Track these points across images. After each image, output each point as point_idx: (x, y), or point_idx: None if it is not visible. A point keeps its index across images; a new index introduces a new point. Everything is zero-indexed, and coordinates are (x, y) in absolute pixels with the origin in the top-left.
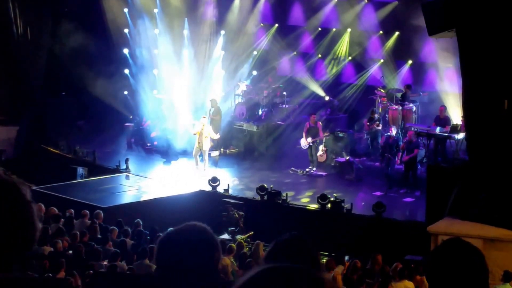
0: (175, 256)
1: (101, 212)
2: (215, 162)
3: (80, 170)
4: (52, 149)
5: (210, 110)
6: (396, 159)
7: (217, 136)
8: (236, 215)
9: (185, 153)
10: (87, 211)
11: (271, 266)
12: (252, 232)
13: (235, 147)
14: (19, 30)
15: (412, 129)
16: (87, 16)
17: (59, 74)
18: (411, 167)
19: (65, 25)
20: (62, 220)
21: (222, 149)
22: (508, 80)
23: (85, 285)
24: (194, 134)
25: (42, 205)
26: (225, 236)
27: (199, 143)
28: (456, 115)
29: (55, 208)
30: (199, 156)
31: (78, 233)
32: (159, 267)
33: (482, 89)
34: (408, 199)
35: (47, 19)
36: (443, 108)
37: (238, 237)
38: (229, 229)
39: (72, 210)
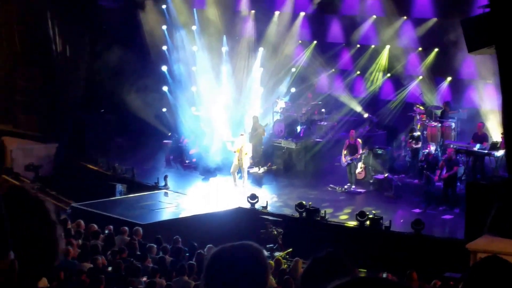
0: (226, 274)
1: (140, 228)
2: (257, 179)
3: (119, 187)
4: (91, 166)
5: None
6: (435, 176)
7: (250, 154)
8: (275, 232)
9: (223, 170)
10: (126, 228)
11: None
12: (290, 249)
13: (274, 164)
14: (58, 48)
15: (451, 146)
16: (125, 33)
17: (98, 91)
18: (450, 184)
19: (103, 42)
20: (102, 236)
21: (261, 166)
22: None
23: None
24: (234, 152)
25: (82, 222)
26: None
27: (238, 160)
28: (495, 132)
29: (95, 225)
30: (238, 173)
31: (118, 249)
32: (207, 284)
33: None
34: (447, 216)
35: (85, 36)
36: (481, 124)
37: (277, 254)
38: (268, 246)
39: (112, 227)
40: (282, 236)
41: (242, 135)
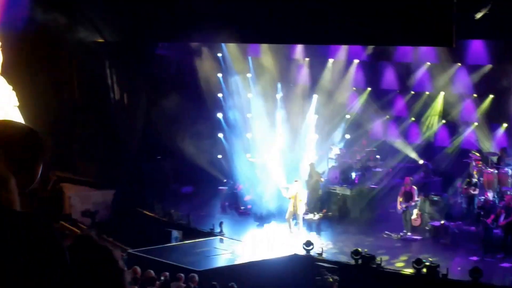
0: None
1: (196, 275)
2: (312, 226)
3: (175, 233)
4: (147, 212)
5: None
6: (492, 223)
7: (305, 201)
8: (330, 279)
9: (278, 216)
10: (182, 275)
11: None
12: None
13: (329, 210)
14: (116, 96)
15: (508, 193)
16: (181, 81)
17: (154, 138)
18: (509, 231)
19: (160, 90)
20: (158, 283)
21: (316, 213)
22: None
23: None
24: (289, 198)
25: (138, 268)
26: None
27: (293, 206)
28: None
29: (151, 271)
30: (293, 219)
31: None
32: None
33: None
34: (506, 265)
35: (143, 84)
36: None
37: None
38: None
39: (167, 273)
40: (338, 284)
41: (296, 181)
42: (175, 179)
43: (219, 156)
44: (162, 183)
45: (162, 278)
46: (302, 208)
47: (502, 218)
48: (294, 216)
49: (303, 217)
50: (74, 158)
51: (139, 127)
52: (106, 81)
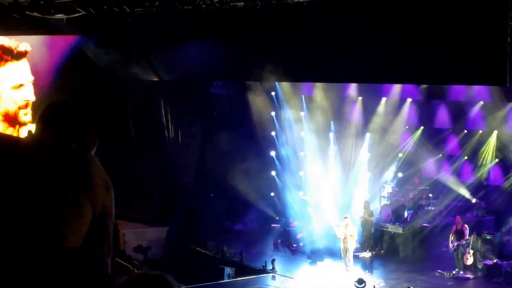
0: None
1: None
2: (365, 263)
3: (228, 270)
4: (200, 249)
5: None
6: None
7: (356, 237)
8: None
9: (330, 254)
10: None
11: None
12: None
13: (381, 248)
14: (171, 134)
15: None
16: (235, 119)
17: (208, 175)
18: None
19: (214, 127)
20: None
21: (369, 251)
22: None
23: None
24: (339, 238)
25: None
26: None
27: (344, 243)
28: None
29: None
30: (346, 256)
31: None
32: None
33: None
34: None
35: (197, 123)
36: None
37: None
38: None
39: None
40: None
41: (346, 218)
42: (228, 216)
43: (272, 194)
44: (215, 220)
45: None
46: (352, 244)
47: None
48: (347, 252)
49: (357, 255)
50: (129, 195)
51: (193, 164)
52: (161, 119)
